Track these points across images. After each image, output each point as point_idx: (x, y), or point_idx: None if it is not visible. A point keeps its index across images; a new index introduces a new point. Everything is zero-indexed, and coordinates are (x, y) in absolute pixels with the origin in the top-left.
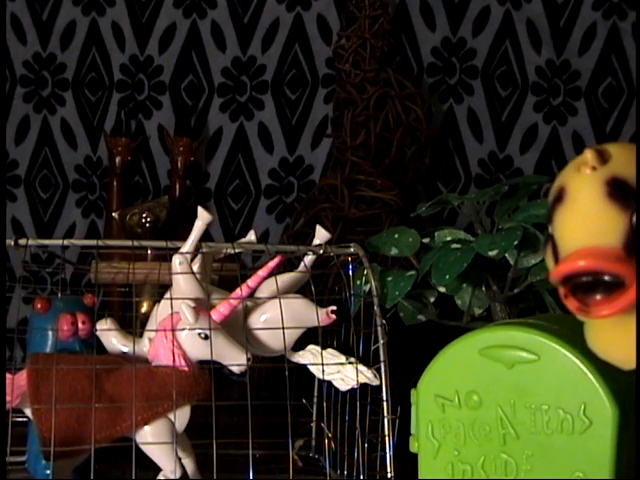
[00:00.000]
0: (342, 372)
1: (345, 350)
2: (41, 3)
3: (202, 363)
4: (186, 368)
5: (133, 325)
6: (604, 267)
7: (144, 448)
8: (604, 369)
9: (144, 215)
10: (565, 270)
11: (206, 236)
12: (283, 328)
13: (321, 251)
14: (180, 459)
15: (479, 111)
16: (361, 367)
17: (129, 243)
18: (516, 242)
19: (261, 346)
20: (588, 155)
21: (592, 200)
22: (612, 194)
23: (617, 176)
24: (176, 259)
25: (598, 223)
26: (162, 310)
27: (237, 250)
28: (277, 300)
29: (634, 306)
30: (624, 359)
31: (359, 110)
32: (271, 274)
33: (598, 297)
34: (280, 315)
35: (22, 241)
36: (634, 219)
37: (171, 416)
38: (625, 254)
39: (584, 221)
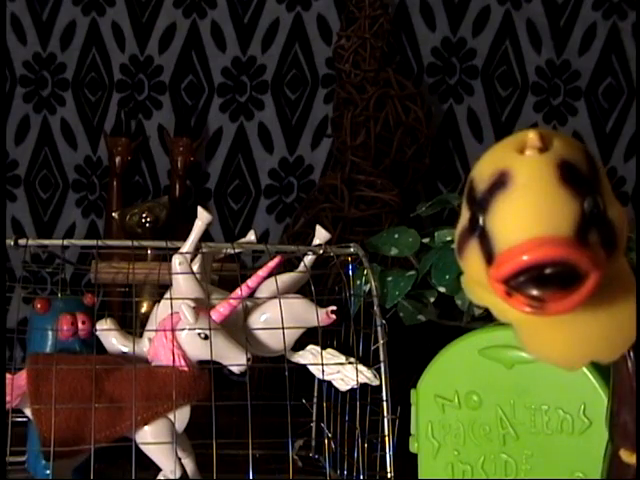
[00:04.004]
0: (342, 372)
1: (345, 350)
2: (41, 3)
3: (202, 363)
4: (186, 368)
5: (133, 325)
6: (566, 256)
7: (144, 448)
8: (604, 369)
9: (144, 215)
10: (521, 263)
11: (206, 236)
12: (283, 328)
13: (321, 251)
14: (180, 459)
15: (479, 111)
16: (361, 367)
17: (129, 243)
18: None
19: (261, 346)
20: (533, 136)
21: (545, 184)
22: (564, 178)
23: (567, 159)
24: (176, 259)
25: (552, 210)
26: (162, 310)
27: (237, 250)
28: (277, 300)
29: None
30: (569, 360)
31: (359, 110)
32: (271, 274)
33: (553, 292)
34: (280, 315)
35: (22, 241)
36: (586, 205)
37: (171, 416)
38: (579, 243)
39: (537, 208)
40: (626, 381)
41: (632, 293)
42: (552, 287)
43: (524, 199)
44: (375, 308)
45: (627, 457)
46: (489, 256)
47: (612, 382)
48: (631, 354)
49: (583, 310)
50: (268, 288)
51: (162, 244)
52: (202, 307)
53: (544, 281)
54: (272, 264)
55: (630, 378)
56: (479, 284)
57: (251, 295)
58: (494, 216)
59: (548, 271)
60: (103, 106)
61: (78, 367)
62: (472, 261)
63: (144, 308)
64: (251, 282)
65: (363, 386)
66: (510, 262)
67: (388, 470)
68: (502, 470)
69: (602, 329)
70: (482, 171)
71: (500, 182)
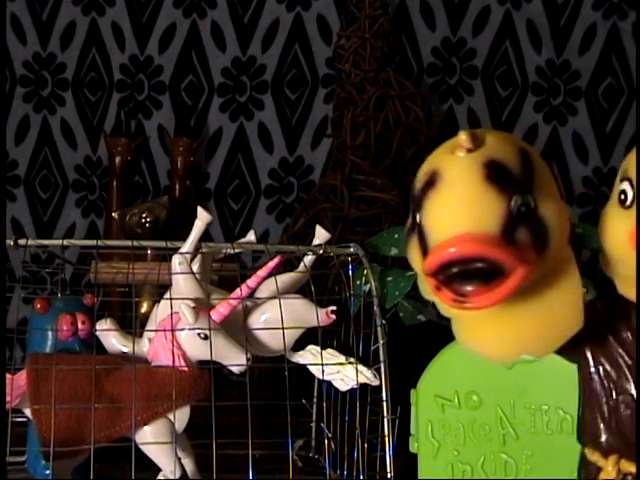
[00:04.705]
0: (342, 372)
1: (345, 350)
2: (41, 3)
3: (202, 363)
4: (186, 368)
5: (133, 325)
6: (487, 253)
7: (144, 448)
8: None
9: (144, 215)
10: (445, 258)
11: (206, 236)
12: (283, 328)
13: (321, 251)
14: (180, 459)
15: (479, 111)
16: (361, 367)
17: (129, 243)
18: None
19: (261, 346)
20: (463, 137)
21: (469, 183)
22: (490, 177)
23: (495, 159)
24: (176, 259)
25: (476, 207)
26: (162, 310)
27: (237, 250)
28: (277, 300)
29: (511, 296)
30: (501, 354)
31: (359, 110)
32: (271, 274)
33: (476, 287)
34: (280, 315)
35: (22, 241)
36: (512, 204)
37: (171, 416)
38: (503, 241)
39: (461, 206)
40: (588, 383)
41: (573, 288)
42: (475, 282)
43: (450, 197)
44: (375, 308)
45: (590, 455)
46: (425, 252)
47: (579, 383)
48: (589, 355)
49: (515, 305)
50: (268, 288)
51: (162, 244)
52: (202, 307)
53: (468, 276)
54: (272, 264)
55: (591, 380)
56: (424, 279)
57: (251, 295)
58: (426, 213)
59: (471, 267)
60: (103, 106)
61: (78, 367)
62: (414, 257)
63: (144, 308)
64: (251, 282)
65: (363, 386)
66: (434, 256)
67: (388, 470)
68: (502, 470)
69: (534, 324)
70: (420, 171)
71: (431, 181)
